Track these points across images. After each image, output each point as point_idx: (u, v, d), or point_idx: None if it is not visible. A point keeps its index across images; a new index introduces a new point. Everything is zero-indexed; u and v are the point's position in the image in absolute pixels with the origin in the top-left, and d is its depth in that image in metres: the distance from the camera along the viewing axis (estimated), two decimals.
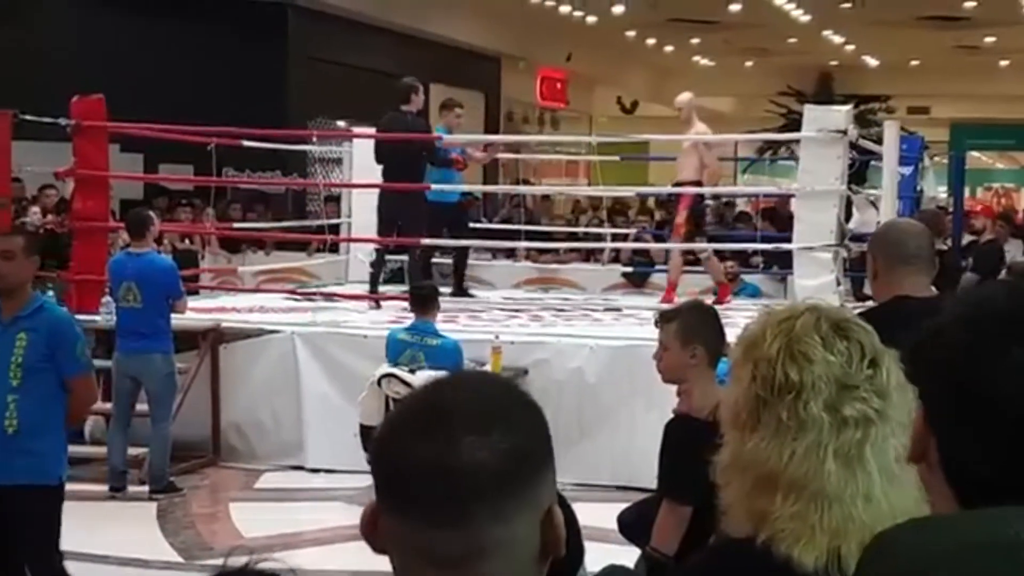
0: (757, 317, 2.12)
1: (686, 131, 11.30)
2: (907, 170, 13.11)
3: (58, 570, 5.40)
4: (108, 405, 9.34)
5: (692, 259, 11.86)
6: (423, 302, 8.52)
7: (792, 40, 25.72)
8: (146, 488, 8.42)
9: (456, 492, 1.23)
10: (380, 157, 11.06)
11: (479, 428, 1.25)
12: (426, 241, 11.20)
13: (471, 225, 12.76)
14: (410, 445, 1.26)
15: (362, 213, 12.45)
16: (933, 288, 4.00)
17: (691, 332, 4.00)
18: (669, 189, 19.50)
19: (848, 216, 10.74)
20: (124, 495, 8.36)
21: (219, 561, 4.96)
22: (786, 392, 1.99)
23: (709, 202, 12.96)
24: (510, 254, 15.20)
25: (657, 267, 13.50)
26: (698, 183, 11.25)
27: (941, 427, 1.43)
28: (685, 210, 11.17)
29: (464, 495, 1.23)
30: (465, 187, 13.00)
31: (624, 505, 5.38)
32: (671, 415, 4.09)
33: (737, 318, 8.10)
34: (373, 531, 1.29)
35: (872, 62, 28.48)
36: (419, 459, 1.24)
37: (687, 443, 3.57)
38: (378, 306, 10.82)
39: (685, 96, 11.35)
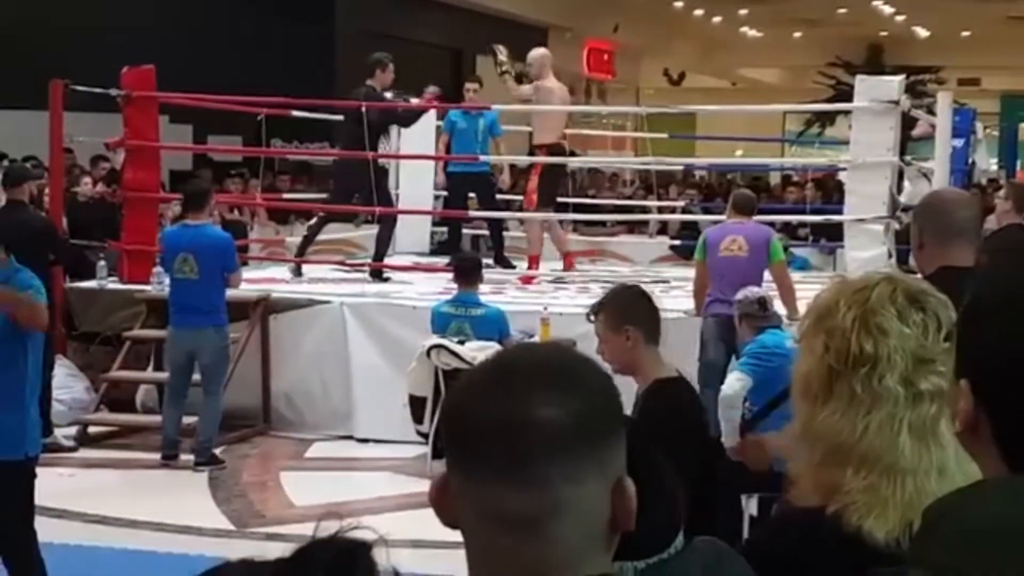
0: (829, 286, 2.09)
1: (537, 89, 11.01)
2: (959, 142, 12.97)
3: (26, 549, 5.17)
4: (159, 375, 9.45)
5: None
6: (465, 273, 8.51)
7: (842, 11, 25.48)
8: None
9: (528, 448, 1.23)
10: (338, 131, 11.02)
11: (553, 387, 1.26)
12: (476, 214, 11.22)
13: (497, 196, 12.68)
14: (483, 402, 1.26)
15: (411, 184, 12.46)
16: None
17: (619, 317, 4.06)
18: (717, 161, 19.43)
19: (900, 188, 10.65)
20: (175, 463, 8.41)
21: (271, 529, 5.01)
22: (860, 365, 1.96)
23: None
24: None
25: None
26: (558, 146, 11.04)
27: (993, 396, 1.42)
28: (536, 176, 10.98)
29: (536, 451, 1.23)
30: (510, 158, 12.98)
31: None
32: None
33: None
34: (442, 501, 1.29)
35: (922, 33, 28.16)
36: (492, 415, 1.25)
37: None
38: (299, 273, 10.79)
39: (537, 51, 11.16)
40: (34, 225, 8.63)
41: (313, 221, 11.29)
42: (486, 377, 1.30)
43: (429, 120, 13.09)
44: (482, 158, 11.65)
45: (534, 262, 11.28)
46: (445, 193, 12.40)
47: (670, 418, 3.82)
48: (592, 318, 4.23)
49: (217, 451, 8.47)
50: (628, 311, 4.09)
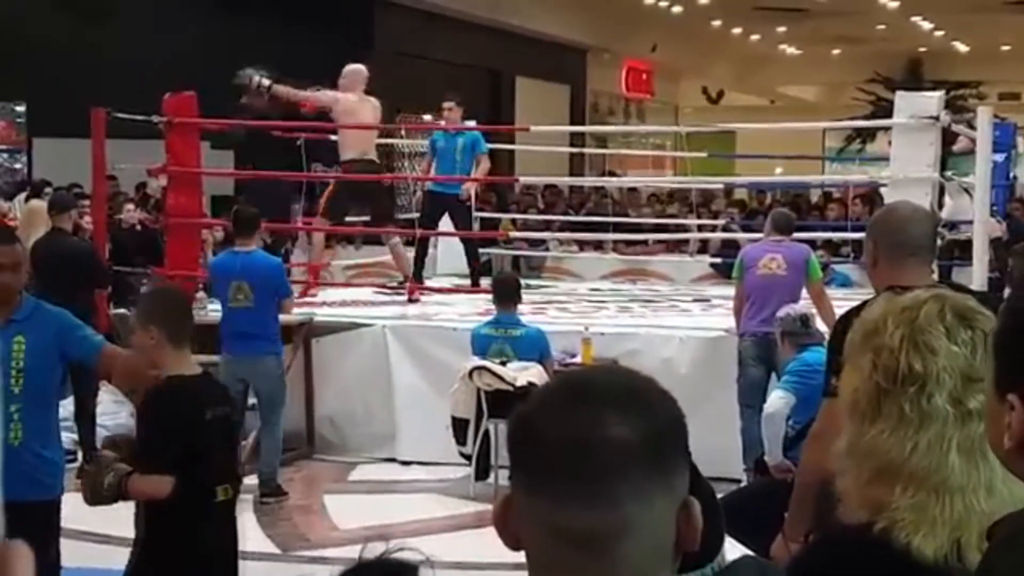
0: (877, 303, 2.08)
1: (338, 101, 10.82)
2: (1000, 157, 12.89)
3: None
4: None
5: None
6: (504, 295, 8.51)
7: (880, 27, 25.40)
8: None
9: (599, 466, 1.24)
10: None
11: (623, 407, 1.27)
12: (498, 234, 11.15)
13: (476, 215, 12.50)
14: (554, 421, 1.27)
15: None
16: (935, 277, 3.81)
17: (145, 316, 4.28)
18: (756, 179, 19.38)
19: (940, 204, 10.59)
20: None
21: (316, 552, 5.03)
22: (909, 383, 1.96)
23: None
24: (597, 246, 15.18)
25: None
26: (360, 163, 10.90)
27: None
28: (328, 191, 10.86)
29: (607, 470, 1.24)
30: (548, 179, 13.00)
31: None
32: None
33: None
34: (505, 521, 1.30)
35: (962, 48, 28.03)
36: (563, 433, 1.26)
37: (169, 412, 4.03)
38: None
39: (351, 67, 10.87)
40: (74, 252, 8.72)
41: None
42: (556, 396, 1.31)
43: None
44: (412, 178, 11.43)
45: (314, 272, 11.23)
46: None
47: (156, 410, 4.12)
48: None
49: None
50: (153, 311, 4.28)
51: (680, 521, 1.28)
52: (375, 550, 1.14)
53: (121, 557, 4.41)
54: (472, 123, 11.88)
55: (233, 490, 4.28)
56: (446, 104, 11.58)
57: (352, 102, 10.80)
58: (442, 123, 11.37)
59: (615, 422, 1.25)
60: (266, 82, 10.87)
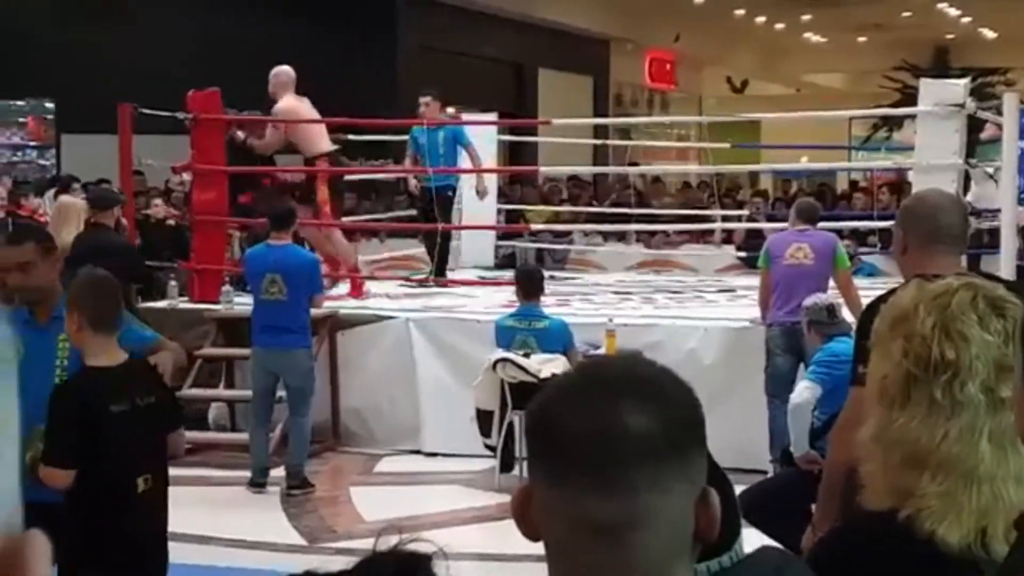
0: (906, 290, 2.07)
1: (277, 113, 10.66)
2: None
3: None
4: (231, 393, 9.57)
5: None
6: (527, 287, 8.51)
7: (907, 14, 25.25)
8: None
9: (617, 455, 1.25)
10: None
11: (641, 396, 1.28)
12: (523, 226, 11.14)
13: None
14: (571, 410, 1.28)
15: (473, 200, 12.52)
16: (964, 266, 3.76)
17: (72, 302, 4.30)
18: (780, 166, 19.31)
19: (966, 190, 10.54)
20: (264, 492, 8.25)
21: (342, 544, 5.06)
22: (942, 371, 1.95)
23: None
24: (621, 237, 15.17)
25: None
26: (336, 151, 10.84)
27: None
28: (324, 185, 10.71)
29: (625, 458, 1.25)
30: (569, 169, 12.97)
31: (740, 488, 5.35)
32: None
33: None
34: (524, 512, 1.30)
35: (990, 34, 27.82)
36: (581, 423, 1.26)
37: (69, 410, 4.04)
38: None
39: (277, 69, 10.65)
40: (116, 247, 8.85)
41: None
42: (574, 386, 1.32)
43: (491, 133, 13.16)
44: (432, 171, 11.19)
45: (350, 268, 10.92)
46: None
47: (56, 403, 4.09)
48: None
49: None
50: (77, 298, 4.29)
51: (698, 511, 1.28)
52: (389, 541, 1.14)
53: (186, 553, 4.35)
54: (494, 118, 11.86)
55: (156, 481, 4.23)
56: (423, 99, 11.43)
57: (291, 104, 10.61)
58: (465, 117, 11.32)
59: (632, 411, 1.26)
60: (240, 135, 10.86)
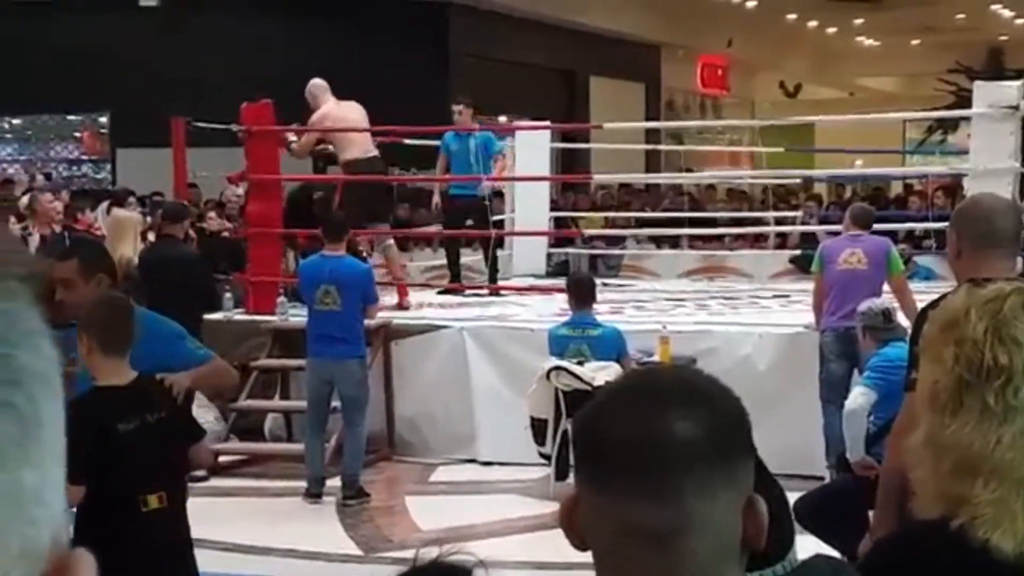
0: (957, 295, 2.06)
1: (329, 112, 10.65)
2: None
3: None
4: (287, 404, 9.63)
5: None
6: (579, 295, 8.50)
7: (960, 16, 25.05)
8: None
9: (664, 462, 1.25)
10: None
11: (688, 404, 1.28)
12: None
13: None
14: (619, 418, 1.29)
15: (526, 207, 12.54)
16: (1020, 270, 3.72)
17: (83, 324, 4.33)
18: (834, 172, 19.20)
19: (1022, 194, 10.42)
20: (320, 502, 8.28)
21: (398, 554, 5.08)
22: (995, 377, 1.93)
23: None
24: (674, 243, 15.13)
25: None
26: (358, 163, 10.69)
27: None
28: (338, 196, 10.63)
29: (672, 465, 1.25)
30: (622, 177, 12.99)
31: (796, 494, 5.33)
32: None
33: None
34: (572, 521, 1.31)
35: None
36: (629, 430, 1.27)
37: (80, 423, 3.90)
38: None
39: (312, 82, 10.68)
40: (187, 259, 9.01)
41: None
42: (621, 394, 1.33)
43: (544, 140, 13.16)
44: (485, 179, 11.19)
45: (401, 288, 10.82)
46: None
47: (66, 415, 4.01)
48: None
49: None
50: (87, 320, 4.33)
51: (746, 518, 1.28)
52: (430, 553, 1.15)
53: (243, 564, 4.36)
54: (547, 123, 11.87)
55: (169, 498, 4.25)
56: (456, 107, 11.49)
57: (325, 109, 10.66)
58: (516, 124, 11.33)
59: (678, 418, 1.27)
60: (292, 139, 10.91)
